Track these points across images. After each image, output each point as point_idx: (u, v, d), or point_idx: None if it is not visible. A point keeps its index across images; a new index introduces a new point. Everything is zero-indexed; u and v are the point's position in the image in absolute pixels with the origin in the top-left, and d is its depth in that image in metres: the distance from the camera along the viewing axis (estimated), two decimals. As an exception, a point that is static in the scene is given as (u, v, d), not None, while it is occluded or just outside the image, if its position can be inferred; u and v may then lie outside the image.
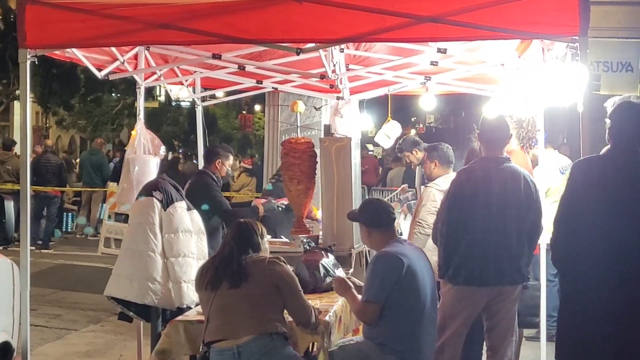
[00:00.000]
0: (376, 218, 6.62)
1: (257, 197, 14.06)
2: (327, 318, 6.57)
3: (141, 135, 9.60)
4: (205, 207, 8.21)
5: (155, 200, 7.93)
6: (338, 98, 10.97)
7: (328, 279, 7.48)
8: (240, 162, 22.89)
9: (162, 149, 9.83)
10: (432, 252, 7.53)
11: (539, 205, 7.22)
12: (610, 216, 5.53)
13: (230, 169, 10.13)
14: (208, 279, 6.21)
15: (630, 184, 5.59)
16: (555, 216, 5.78)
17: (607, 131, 5.89)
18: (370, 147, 30.90)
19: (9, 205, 6.58)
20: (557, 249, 5.82)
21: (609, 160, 5.74)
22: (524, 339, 8.35)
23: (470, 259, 7.02)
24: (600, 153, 5.88)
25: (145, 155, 9.49)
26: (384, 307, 6.30)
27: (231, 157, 9.76)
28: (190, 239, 7.99)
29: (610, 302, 5.49)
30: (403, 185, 11.93)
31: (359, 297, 6.53)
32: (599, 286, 5.51)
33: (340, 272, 7.65)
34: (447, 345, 7.12)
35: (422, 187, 10.12)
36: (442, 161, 8.99)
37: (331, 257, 7.80)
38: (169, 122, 48.81)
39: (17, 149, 19.38)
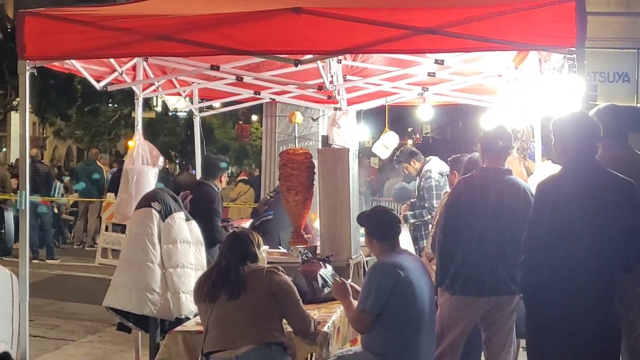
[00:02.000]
0: (377, 229, 6.65)
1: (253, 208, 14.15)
2: (325, 328, 6.57)
3: (139, 146, 9.63)
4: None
5: (153, 211, 7.95)
6: (336, 109, 11.00)
7: (326, 290, 7.49)
8: (237, 177, 22.99)
9: (161, 159, 9.87)
10: None
11: None
12: (576, 233, 5.62)
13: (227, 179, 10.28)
14: (206, 290, 6.21)
15: (592, 196, 5.67)
16: (523, 237, 5.89)
17: (554, 146, 5.97)
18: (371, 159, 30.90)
19: (9, 216, 6.60)
20: (524, 270, 5.95)
21: (570, 176, 5.78)
22: (521, 349, 8.35)
23: (467, 267, 7.04)
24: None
25: (144, 165, 9.51)
26: (381, 317, 6.32)
27: (228, 168, 9.92)
28: (189, 250, 8.00)
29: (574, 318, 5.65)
30: (403, 206, 11.90)
31: (355, 303, 6.57)
32: (558, 303, 5.67)
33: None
34: (445, 355, 7.13)
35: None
36: (463, 173, 9.00)
37: (329, 267, 7.81)
38: (166, 132, 48.77)
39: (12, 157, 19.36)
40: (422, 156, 11.56)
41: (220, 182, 9.98)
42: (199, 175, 11.59)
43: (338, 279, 7.04)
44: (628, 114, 7.28)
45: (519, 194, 7.14)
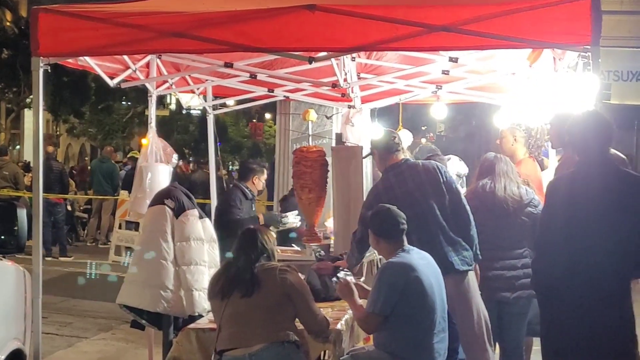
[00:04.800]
0: (383, 228, 6.61)
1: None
2: (338, 326, 6.57)
3: (153, 143, 9.63)
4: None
5: (167, 208, 7.95)
6: (349, 107, 10.97)
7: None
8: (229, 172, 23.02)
9: (175, 157, 9.87)
10: None
11: None
12: (590, 232, 5.61)
13: (264, 182, 10.34)
14: (220, 287, 6.21)
15: (605, 195, 5.64)
16: (536, 236, 5.89)
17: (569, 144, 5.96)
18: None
19: (22, 213, 6.57)
20: (537, 269, 5.96)
21: (583, 175, 5.76)
22: (533, 349, 8.34)
23: None
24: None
25: (158, 163, 9.51)
26: (393, 317, 6.29)
27: (266, 172, 9.99)
28: (202, 247, 8.00)
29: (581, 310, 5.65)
30: None
31: (361, 302, 6.56)
32: (572, 303, 5.66)
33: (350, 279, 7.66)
34: None
35: None
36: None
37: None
38: (180, 130, 48.82)
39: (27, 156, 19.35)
40: (442, 155, 11.50)
41: (253, 183, 9.96)
42: (212, 173, 11.63)
43: (343, 281, 7.00)
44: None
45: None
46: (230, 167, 34.71)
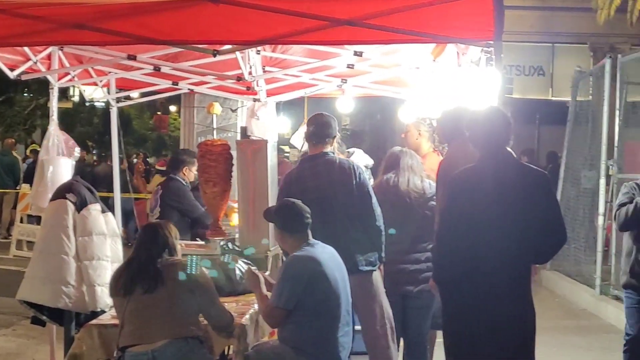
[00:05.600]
0: (289, 222, 6.60)
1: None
2: (242, 321, 6.54)
3: (55, 136, 9.48)
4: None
5: (69, 202, 7.83)
6: (254, 100, 10.95)
7: (244, 282, 7.45)
8: (145, 165, 22.84)
9: (77, 150, 9.74)
10: None
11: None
12: (490, 225, 5.68)
13: (196, 173, 10.30)
14: (122, 284, 6.11)
15: (506, 189, 5.72)
16: (437, 229, 5.95)
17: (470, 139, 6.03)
18: (286, 149, 30.83)
19: None
20: (438, 262, 6.04)
21: (485, 169, 5.84)
22: (437, 341, 8.41)
23: None
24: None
25: (59, 156, 9.38)
26: (297, 311, 6.30)
27: (196, 162, 9.90)
28: (105, 242, 7.91)
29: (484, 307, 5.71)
30: None
31: (267, 294, 6.55)
32: (474, 295, 5.72)
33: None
34: None
35: None
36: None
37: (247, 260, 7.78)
38: (83, 122, 48.14)
39: None
40: (344, 147, 11.55)
41: (184, 174, 9.95)
42: (116, 167, 11.49)
43: (251, 270, 6.98)
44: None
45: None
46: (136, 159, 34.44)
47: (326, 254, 6.52)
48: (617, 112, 13.42)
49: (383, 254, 7.49)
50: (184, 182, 9.92)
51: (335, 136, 7.66)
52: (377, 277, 7.49)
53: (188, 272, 6.08)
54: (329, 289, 6.33)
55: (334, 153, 7.62)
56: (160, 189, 9.86)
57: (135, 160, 27.92)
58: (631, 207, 7.80)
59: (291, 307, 6.29)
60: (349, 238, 7.29)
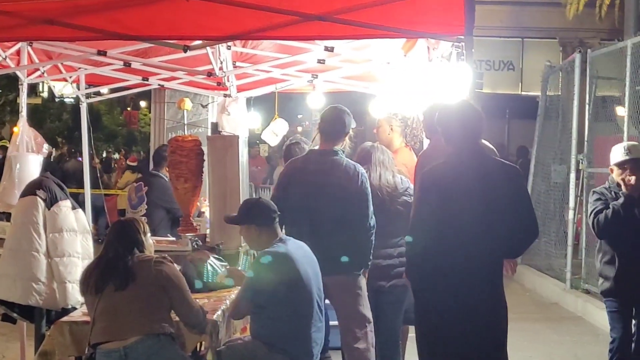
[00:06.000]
0: (258, 219, 6.58)
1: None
2: (214, 317, 6.52)
3: (24, 132, 9.44)
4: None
5: (38, 199, 7.79)
6: (225, 95, 10.92)
7: (216, 278, 7.44)
8: (126, 161, 22.74)
9: (45, 146, 9.70)
10: None
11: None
12: (462, 219, 5.71)
13: None
14: (93, 282, 6.07)
15: (478, 183, 5.75)
16: (409, 227, 5.94)
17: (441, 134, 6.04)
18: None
19: None
20: (411, 257, 6.04)
21: (456, 163, 5.86)
22: (409, 336, 8.42)
23: None
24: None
25: (28, 153, 9.34)
26: (270, 307, 6.30)
27: None
28: (75, 239, 7.87)
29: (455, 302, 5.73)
30: None
31: None
32: (446, 289, 5.74)
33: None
34: None
35: None
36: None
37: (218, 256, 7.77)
38: (53, 118, 47.88)
39: None
40: (303, 144, 11.54)
41: (167, 171, 9.87)
42: (85, 163, 11.43)
43: (235, 268, 6.99)
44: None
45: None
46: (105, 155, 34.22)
47: (299, 250, 6.51)
48: (587, 107, 13.48)
49: (369, 262, 7.46)
50: (167, 179, 9.88)
51: (347, 133, 7.61)
52: (362, 282, 7.46)
53: (159, 268, 6.05)
54: (301, 285, 6.32)
55: (343, 151, 7.55)
56: (144, 186, 9.81)
57: (105, 156, 27.79)
58: (609, 211, 7.55)
59: (261, 302, 6.29)
60: (337, 239, 7.22)
